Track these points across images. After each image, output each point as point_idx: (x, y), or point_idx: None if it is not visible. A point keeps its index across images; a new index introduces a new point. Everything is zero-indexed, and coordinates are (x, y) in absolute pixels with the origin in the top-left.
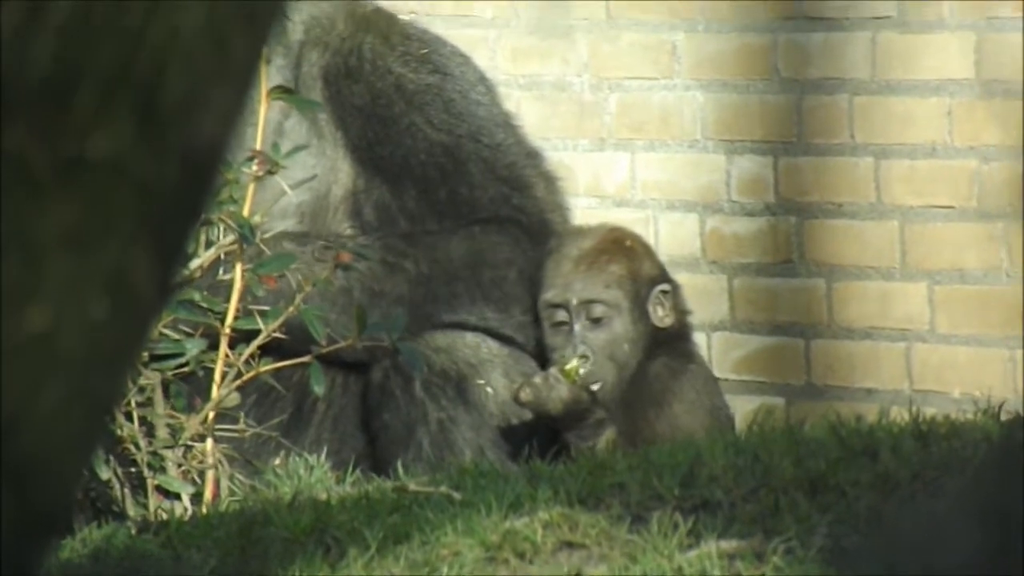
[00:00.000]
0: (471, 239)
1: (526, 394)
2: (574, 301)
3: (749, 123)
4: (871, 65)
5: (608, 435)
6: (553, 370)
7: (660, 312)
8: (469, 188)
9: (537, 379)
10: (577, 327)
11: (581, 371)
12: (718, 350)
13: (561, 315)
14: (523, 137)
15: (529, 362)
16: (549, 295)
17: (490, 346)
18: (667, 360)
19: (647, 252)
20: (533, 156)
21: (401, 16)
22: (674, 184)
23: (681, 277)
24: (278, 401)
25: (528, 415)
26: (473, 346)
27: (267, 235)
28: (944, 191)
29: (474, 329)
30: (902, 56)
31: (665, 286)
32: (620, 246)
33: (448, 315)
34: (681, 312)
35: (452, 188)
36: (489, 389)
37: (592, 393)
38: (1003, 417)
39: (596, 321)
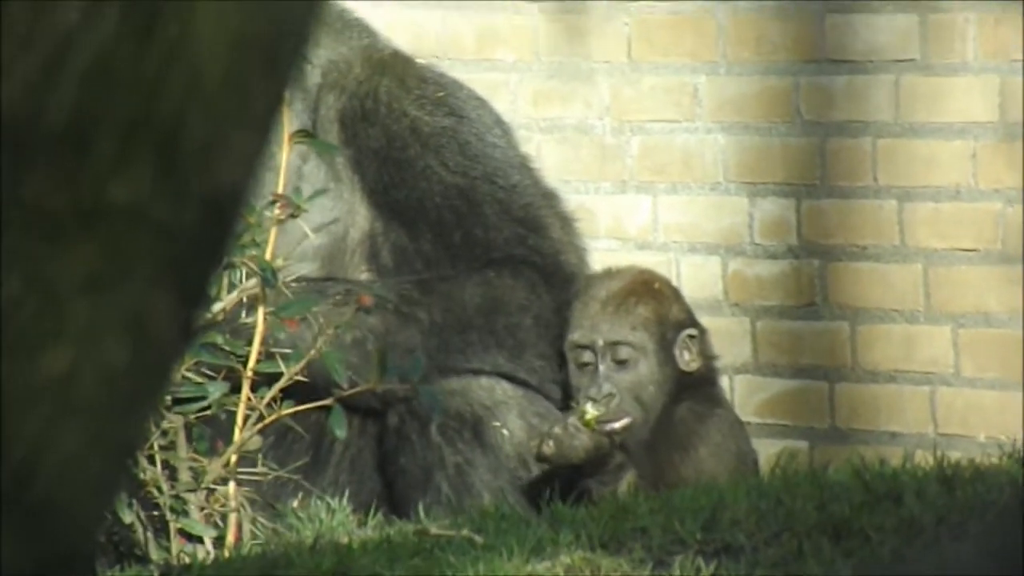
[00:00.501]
0: (485, 285)
1: (548, 448)
2: (600, 342)
3: (771, 166)
4: (895, 108)
5: (628, 478)
6: (572, 419)
7: (687, 356)
8: (484, 229)
9: (557, 430)
10: (602, 368)
11: (598, 414)
12: (741, 393)
13: (587, 356)
14: (539, 179)
15: (543, 403)
16: (576, 336)
17: (504, 388)
18: (693, 404)
19: (675, 296)
20: (549, 197)
21: (418, 60)
22: (696, 226)
23: (703, 320)
24: (295, 443)
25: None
26: (488, 388)
27: (288, 279)
28: (968, 234)
29: (488, 375)
30: (926, 99)
31: (692, 331)
32: (648, 288)
33: (461, 364)
34: (708, 357)
35: (467, 230)
36: (505, 431)
37: (611, 438)
38: None
39: (622, 363)
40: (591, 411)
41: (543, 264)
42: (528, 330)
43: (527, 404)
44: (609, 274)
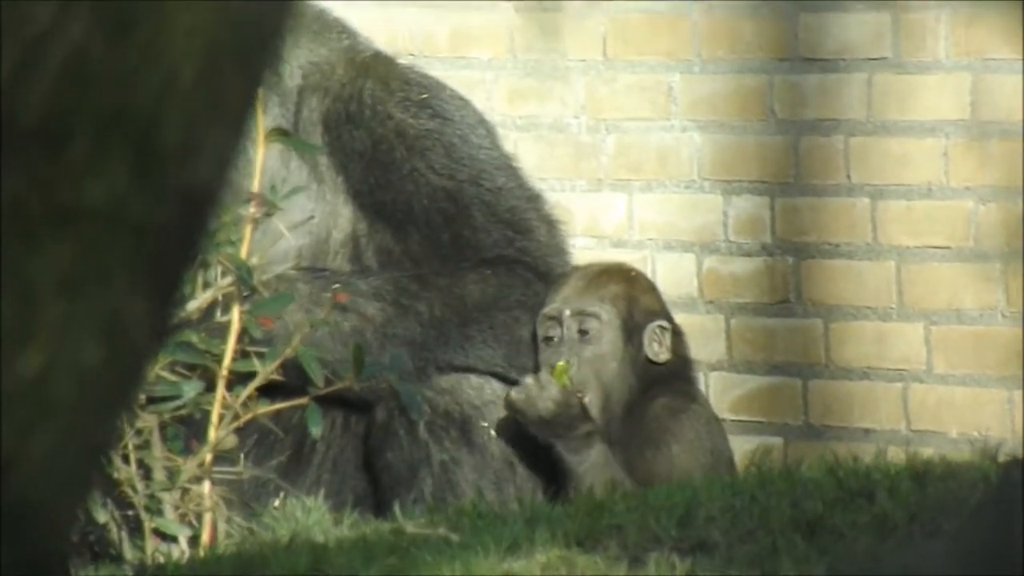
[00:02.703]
0: (484, 281)
1: (517, 394)
2: (567, 312)
3: (746, 164)
4: (867, 106)
5: (599, 449)
6: (543, 372)
7: (656, 347)
8: (472, 231)
9: (528, 379)
10: (566, 336)
11: (571, 372)
12: (715, 390)
13: (553, 328)
14: (524, 180)
15: None
16: (546, 309)
17: (494, 388)
18: (667, 400)
19: (650, 287)
20: (534, 200)
21: (400, 61)
22: (671, 224)
23: (678, 317)
24: (277, 443)
25: (532, 455)
26: (477, 388)
27: (274, 274)
28: (940, 231)
29: (481, 372)
30: (898, 97)
31: (663, 323)
32: (623, 272)
33: (460, 358)
34: (682, 356)
35: (456, 232)
36: (492, 431)
37: (581, 400)
38: (1000, 458)
39: (585, 335)
40: (562, 363)
41: (533, 265)
42: (525, 326)
43: None
44: (591, 263)
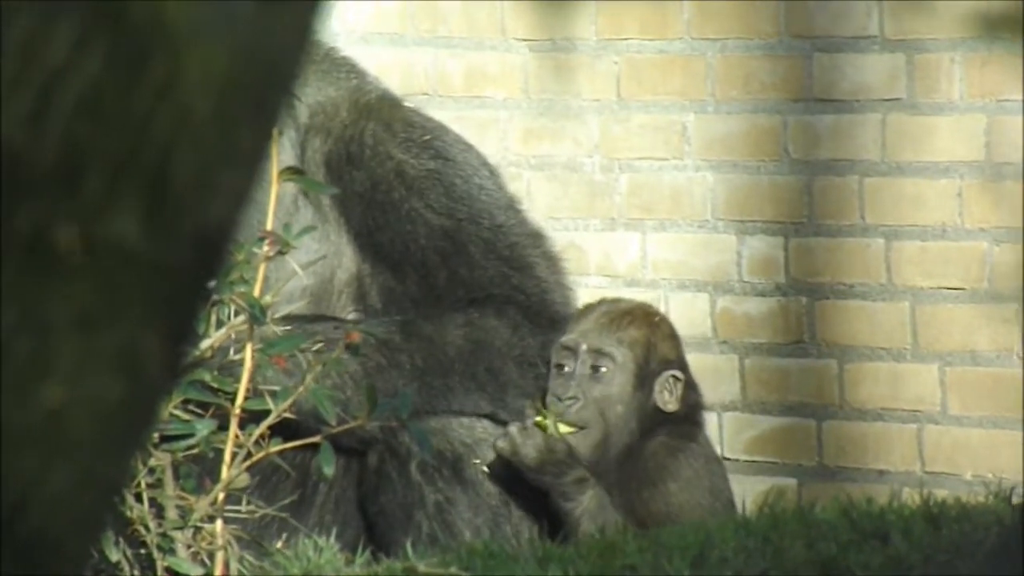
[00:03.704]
0: (468, 326)
1: (502, 443)
2: (584, 347)
3: (760, 204)
4: (881, 147)
5: (592, 495)
6: (528, 422)
7: (666, 396)
8: (469, 269)
9: (512, 428)
10: (578, 371)
11: (555, 417)
12: (729, 431)
13: (568, 359)
14: (526, 219)
15: None
16: (564, 338)
17: (484, 425)
18: (664, 439)
19: (671, 335)
20: (535, 237)
21: (406, 103)
22: (685, 264)
23: (692, 357)
24: (281, 482)
25: (527, 492)
26: (467, 427)
27: (277, 316)
28: (955, 273)
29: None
30: (912, 138)
31: (677, 372)
32: (646, 316)
33: (443, 407)
34: (691, 405)
35: (452, 270)
36: (485, 468)
37: (568, 446)
38: (1015, 500)
39: (598, 373)
40: (549, 418)
41: (528, 303)
42: (510, 371)
43: None
44: (616, 299)
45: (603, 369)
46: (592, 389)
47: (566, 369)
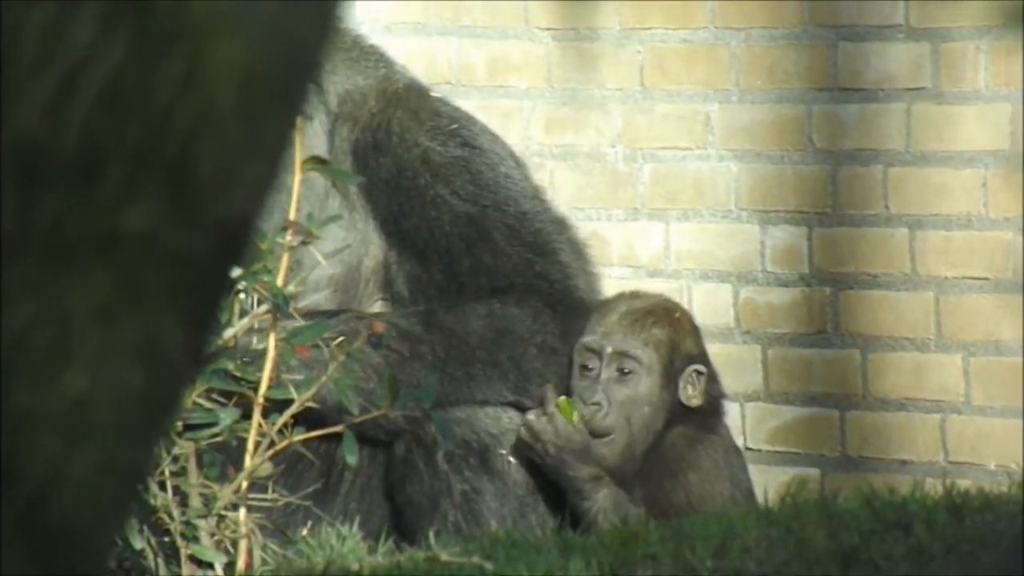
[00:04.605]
0: (490, 316)
1: (523, 430)
2: (609, 349)
3: (783, 194)
4: (906, 136)
5: (607, 494)
6: (551, 407)
7: (689, 391)
8: (493, 256)
9: (531, 415)
10: (604, 375)
11: (581, 413)
12: (752, 421)
13: (592, 361)
14: (551, 208)
15: None
16: (587, 339)
17: (511, 415)
18: (685, 430)
19: (692, 330)
20: (560, 224)
21: (433, 93)
22: (708, 254)
23: (714, 347)
24: (306, 471)
25: (551, 483)
26: (493, 416)
27: (299, 307)
28: (979, 262)
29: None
30: (937, 127)
31: (700, 367)
32: (668, 314)
33: (466, 397)
34: (714, 397)
35: (476, 257)
36: (511, 458)
37: (587, 439)
38: None
39: (624, 376)
40: (571, 401)
41: (551, 290)
42: (532, 360)
43: None
44: (635, 294)
45: (629, 371)
46: (618, 392)
47: (591, 371)
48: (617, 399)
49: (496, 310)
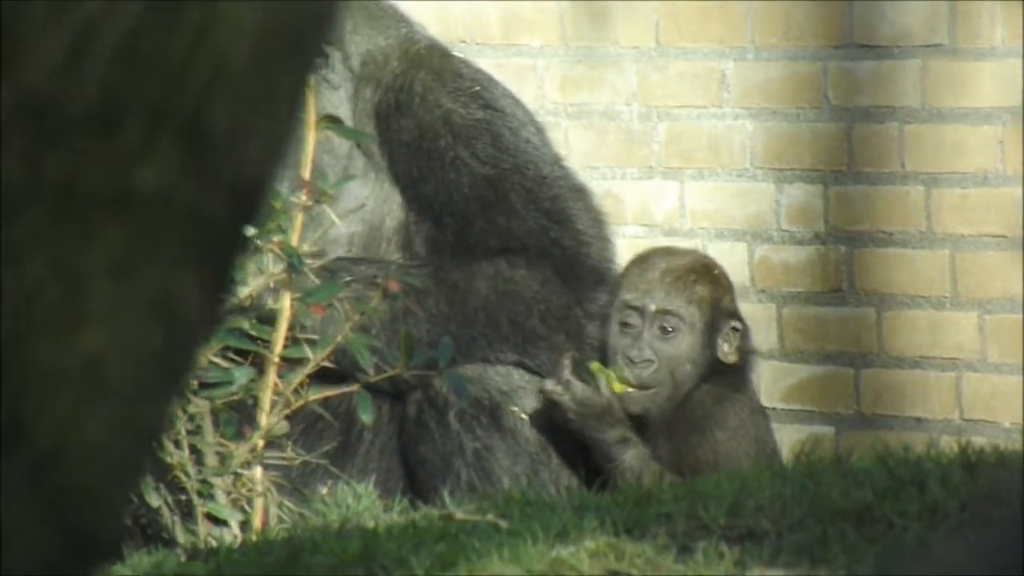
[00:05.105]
0: (496, 277)
1: (550, 385)
2: (652, 307)
3: (799, 151)
4: (921, 93)
5: (634, 454)
6: (566, 374)
7: (726, 348)
8: (508, 218)
9: (548, 384)
10: (647, 334)
11: (614, 383)
12: (767, 379)
13: (634, 319)
14: (571, 175)
15: None
16: (629, 296)
17: (521, 373)
18: (712, 388)
19: (730, 287)
20: (579, 192)
21: (455, 53)
22: (723, 213)
23: None
24: (325, 430)
25: (566, 440)
26: (504, 375)
27: (324, 260)
28: (995, 220)
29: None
30: (953, 84)
31: (737, 323)
32: (708, 271)
33: (465, 355)
34: (746, 352)
35: (490, 218)
36: (523, 415)
37: (615, 402)
38: None
39: (667, 333)
40: (607, 372)
41: (563, 256)
42: (535, 324)
43: None
44: (670, 250)
45: (671, 329)
46: (664, 350)
47: (632, 328)
48: (662, 355)
49: (503, 271)
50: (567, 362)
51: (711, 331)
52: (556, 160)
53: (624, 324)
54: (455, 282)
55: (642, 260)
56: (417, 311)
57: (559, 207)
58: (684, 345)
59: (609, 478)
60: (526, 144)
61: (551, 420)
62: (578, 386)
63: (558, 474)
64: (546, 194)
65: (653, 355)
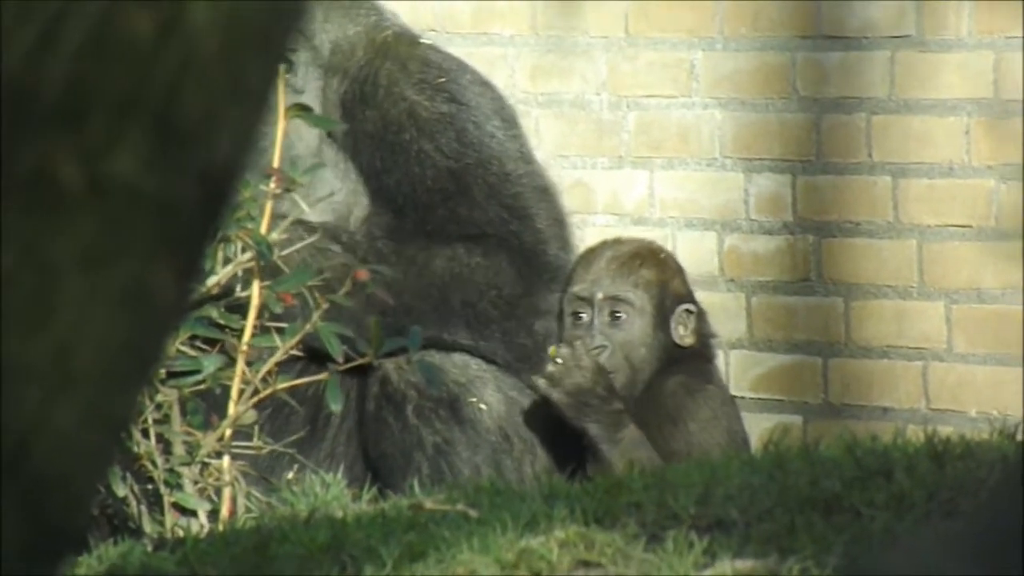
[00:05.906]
0: (452, 260)
1: (553, 366)
2: (600, 295)
3: (767, 141)
4: (889, 84)
5: (632, 428)
6: (577, 343)
7: (681, 331)
8: (468, 208)
9: (563, 349)
10: (597, 322)
11: (600, 357)
12: (736, 368)
13: (584, 309)
14: (537, 172)
15: (516, 380)
16: (576, 288)
17: (479, 363)
18: (683, 379)
19: (678, 270)
20: (543, 192)
21: (423, 41)
22: (692, 202)
23: (699, 295)
24: (292, 416)
25: (524, 431)
26: (461, 365)
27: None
28: (962, 210)
29: (450, 347)
30: (920, 75)
31: (690, 306)
32: (654, 255)
33: (423, 328)
34: (704, 335)
35: (451, 208)
36: (483, 405)
37: (609, 378)
38: (1019, 437)
39: (617, 319)
40: (553, 348)
41: (520, 250)
42: (485, 308)
43: (503, 377)
44: (617, 240)
45: (622, 315)
46: (615, 336)
47: (583, 318)
48: (615, 341)
49: (460, 255)
50: (551, 354)
51: (662, 314)
52: (522, 156)
53: (575, 315)
54: (413, 256)
55: (589, 252)
56: (375, 274)
57: (520, 204)
58: (635, 329)
59: (603, 459)
60: (491, 139)
61: (546, 415)
62: (588, 361)
63: (520, 462)
64: (508, 191)
65: (605, 340)
